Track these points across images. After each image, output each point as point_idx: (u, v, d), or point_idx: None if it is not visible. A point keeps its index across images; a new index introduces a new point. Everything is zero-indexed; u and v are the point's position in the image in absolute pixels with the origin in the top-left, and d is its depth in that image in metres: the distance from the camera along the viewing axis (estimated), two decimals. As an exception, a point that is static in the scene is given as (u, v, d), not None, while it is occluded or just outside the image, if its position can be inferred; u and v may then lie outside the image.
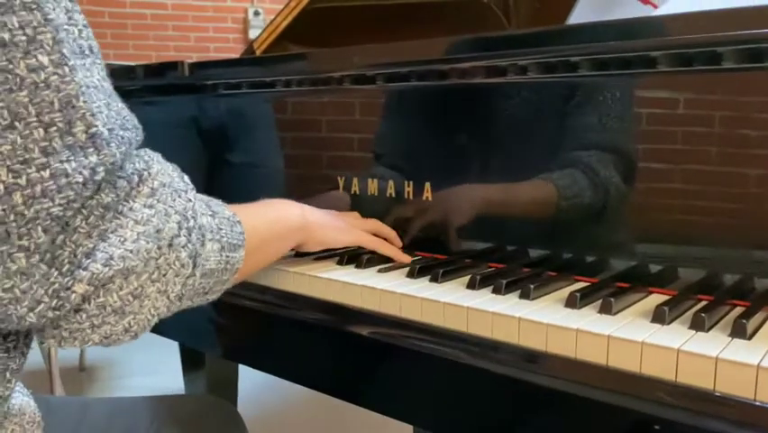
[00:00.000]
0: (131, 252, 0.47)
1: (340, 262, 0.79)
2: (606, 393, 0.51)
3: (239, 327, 0.85)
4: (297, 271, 0.76)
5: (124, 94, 1.28)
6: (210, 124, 1.08)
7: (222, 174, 1.09)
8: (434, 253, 0.81)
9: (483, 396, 0.60)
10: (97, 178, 0.45)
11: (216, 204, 0.60)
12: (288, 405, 2.00)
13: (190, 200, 0.53)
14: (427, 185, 0.80)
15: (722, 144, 0.61)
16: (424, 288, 0.67)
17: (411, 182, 0.81)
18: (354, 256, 0.78)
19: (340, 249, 0.83)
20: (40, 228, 0.43)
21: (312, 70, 0.93)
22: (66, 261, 0.45)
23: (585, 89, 0.69)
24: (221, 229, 0.57)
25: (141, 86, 1.18)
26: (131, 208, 0.48)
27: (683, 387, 0.48)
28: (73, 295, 0.46)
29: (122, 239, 0.47)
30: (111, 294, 0.47)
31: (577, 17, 1.10)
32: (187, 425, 0.76)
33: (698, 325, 0.53)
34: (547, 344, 0.56)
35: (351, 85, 0.87)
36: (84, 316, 0.47)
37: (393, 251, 0.79)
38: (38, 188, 0.42)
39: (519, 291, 0.64)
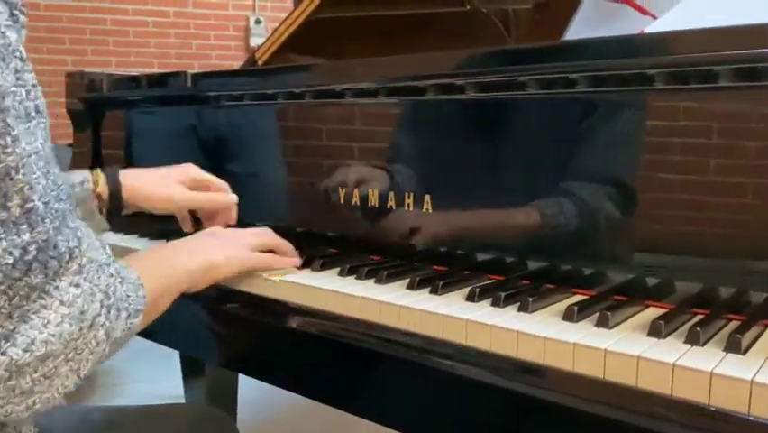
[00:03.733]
0: (53, 336, 0.45)
1: (340, 274, 0.79)
2: (602, 407, 0.52)
3: (237, 338, 0.86)
4: (296, 281, 0.77)
5: (127, 103, 1.29)
6: (211, 133, 1.09)
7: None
8: (433, 264, 0.82)
9: (481, 408, 0.60)
10: (28, 258, 0.43)
11: (123, 268, 0.56)
12: (289, 413, 2.01)
13: (112, 275, 0.51)
14: (427, 197, 0.81)
15: (719, 157, 0.61)
16: (423, 300, 0.68)
17: (412, 194, 0.82)
18: (355, 268, 0.79)
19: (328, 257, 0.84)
20: None
21: (315, 83, 0.94)
22: None
23: (588, 106, 0.70)
24: (128, 297, 0.54)
25: (144, 96, 1.19)
26: (57, 287, 0.45)
27: (679, 401, 0.49)
28: None
29: (45, 321, 0.45)
30: (24, 377, 0.45)
31: (576, 29, 1.11)
32: None
33: (693, 339, 0.54)
34: (545, 357, 0.56)
35: (352, 98, 0.88)
36: None
37: (285, 262, 0.81)
38: None
39: (518, 304, 0.64)
